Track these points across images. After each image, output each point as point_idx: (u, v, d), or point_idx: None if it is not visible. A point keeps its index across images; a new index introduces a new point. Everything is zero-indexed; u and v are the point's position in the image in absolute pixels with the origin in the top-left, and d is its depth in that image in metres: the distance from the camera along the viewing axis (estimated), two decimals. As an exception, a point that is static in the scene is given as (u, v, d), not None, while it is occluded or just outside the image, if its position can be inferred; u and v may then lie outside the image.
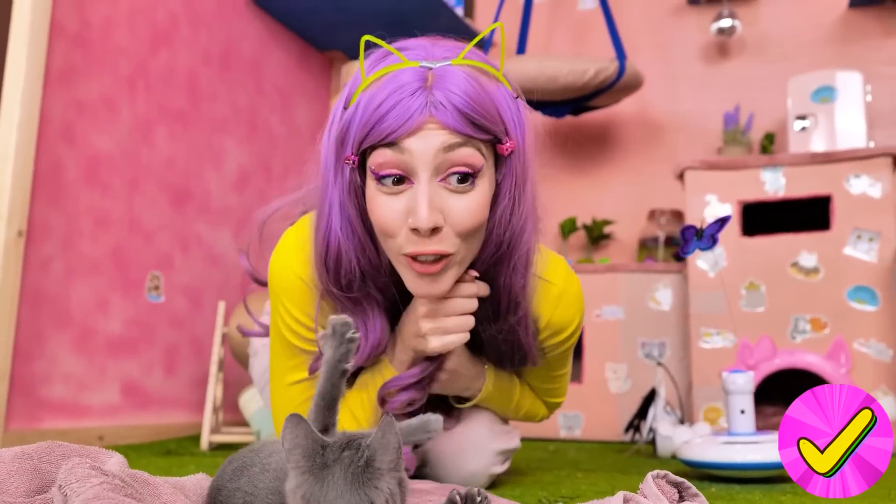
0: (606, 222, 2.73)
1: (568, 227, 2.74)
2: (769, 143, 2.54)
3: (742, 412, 1.30)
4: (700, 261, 2.11)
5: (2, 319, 1.65)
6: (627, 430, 1.93)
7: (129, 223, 2.04)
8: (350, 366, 0.72)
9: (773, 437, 1.27)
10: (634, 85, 2.57)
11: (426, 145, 0.83)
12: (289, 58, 2.79)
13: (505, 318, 0.97)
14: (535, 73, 2.38)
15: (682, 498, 0.69)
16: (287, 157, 2.75)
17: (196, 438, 2.05)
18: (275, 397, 1.03)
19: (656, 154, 2.82)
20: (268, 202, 2.61)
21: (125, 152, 2.05)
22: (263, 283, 1.11)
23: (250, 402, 1.82)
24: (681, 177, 2.24)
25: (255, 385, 1.44)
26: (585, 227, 2.74)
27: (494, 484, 1.15)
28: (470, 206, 0.86)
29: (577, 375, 2.34)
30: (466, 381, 1.04)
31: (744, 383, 1.31)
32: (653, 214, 2.64)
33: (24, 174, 1.73)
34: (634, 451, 1.81)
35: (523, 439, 1.22)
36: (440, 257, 0.87)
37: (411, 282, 0.91)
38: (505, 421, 1.18)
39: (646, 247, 2.63)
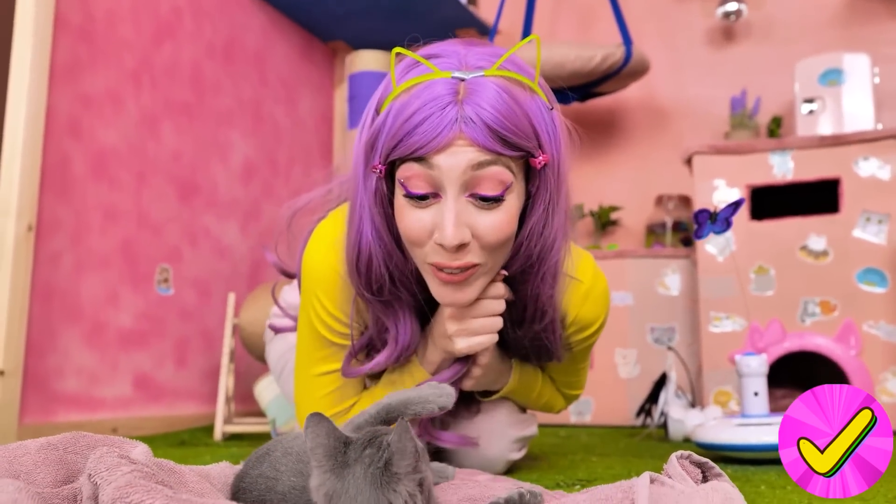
0: (613, 208, 2.73)
1: (576, 214, 2.74)
2: (776, 127, 2.53)
3: (756, 394, 1.30)
4: (709, 245, 2.11)
5: (14, 314, 1.66)
6: (639, 414, 1.93)
7: (138, 217, 2.04)
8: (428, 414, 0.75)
9: (788, 419, 1.27)
10: (641, 70, 2.56)
11: (455, 162, 0.82)
12: (292, 49, 2.79)
13: (530, 325, 0.98)
14: (541, 60, 2.37)
15: (705, 478, 0.69)
16: (293, 149, 2.75)
17: (208, 429, 2.06)
18: (300, 388, 1.03)
19: (663, 139, 2.82)
20: (274, 194, 2.63)
21: (132, 146, 2.05)
22: (291, 276, 1.11)
23: (266, 390, 1.82)
24: (689, 162, 2.23)
25: (272, 371, 1.44)
26: (593, 214, 2.74)
27: (511, 469, 1.16)
28: (497, 221, 0.85)
29: (586, 362, 2.34)
30: (495, 375, 1.05)
31: (757, 366, 1.31)
32: (660, 200, 2.64)
33: (33, 169, 1.73)
34: (646, 435, 1.82)
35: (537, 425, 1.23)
36: (467, 267, 0.87)
37: (437, 290, 0.90)
38: (523, 409, 1.18)
39: (653, 232, 2.62)
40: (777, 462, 1.26)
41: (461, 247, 0.85)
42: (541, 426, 2.18)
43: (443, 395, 0.74)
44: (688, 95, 2.81)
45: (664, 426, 1.79)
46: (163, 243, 2.12)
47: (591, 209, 2.75)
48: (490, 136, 0.82)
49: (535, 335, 0.99)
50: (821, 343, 1.96)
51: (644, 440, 1.75)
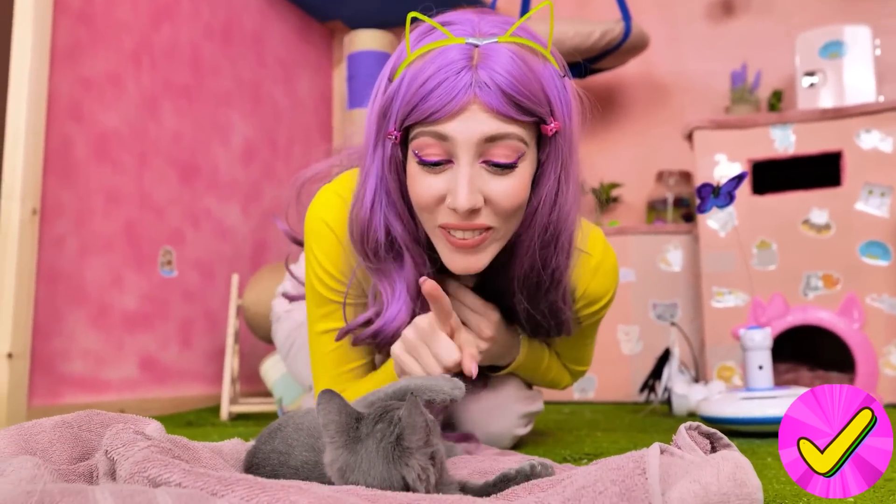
0: (614, 185, 2.72)
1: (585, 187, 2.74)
2: (777, 101, 2.52)
3: (760, 368, 1.31)
4: (711, 220, 2.11)
5: (20, 298, 1.67)
6: (642, 390, 1.95)
7: (140, 199, 2.04)
8: (441, 402, 0.75)
9: (792, 391, 1.28)
10: (640, 46, 2.55)
11: (469, 128, 0.83)
12: (290, 30, 2.77)
13: (545, 296, 0.98)
14: (548, 30, 2.36)
15: (714, 448, 0.70)
16: (292, 130, 2.74)
17: (214, 410, 2.08)
18: (310, 345, 1.05)
19: (663, 115, 2.81)
20: (275, 175, 2.63)
21: (133, 128, 2.05)
22: (301, 244, 1.11)
23: (272, 370, 1.83)
24: (689, 137, 2.23)
25: (279, 351, 1.45)
26: (593, 191, 2.73)
27: (518, 445, 1.17)
28: (510, 187, 0.86)
29: (589, 338, 2.35)
30: (503, 350, 1.05)
31: (761, 339, 1.32)
32: (661, 176, 2.64)
33: (36, 153, 1.73)
34: (650, 410, 1.83)
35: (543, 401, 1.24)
36: (481, 231, 0.88)
37: (447, 256, 0.90)
38: (529, 385, 1.19)
39: (654, 209, 2.63)
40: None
41: (473, 212, 0.86)
42: (545, 403, 2.20)
43: (456, 388, 0.76)
44: (688, 70, 2.80)
45: (668, 402, 1.80)
46: (165, 225, 2.12)
47: (591, 186, 2.75)
48: (504, 100, 0.82)
49: (550, 305, 0.99)
50: (824, 317, 1.97)
51: (648, 416, 1.77)
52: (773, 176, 2.14)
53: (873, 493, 0.74)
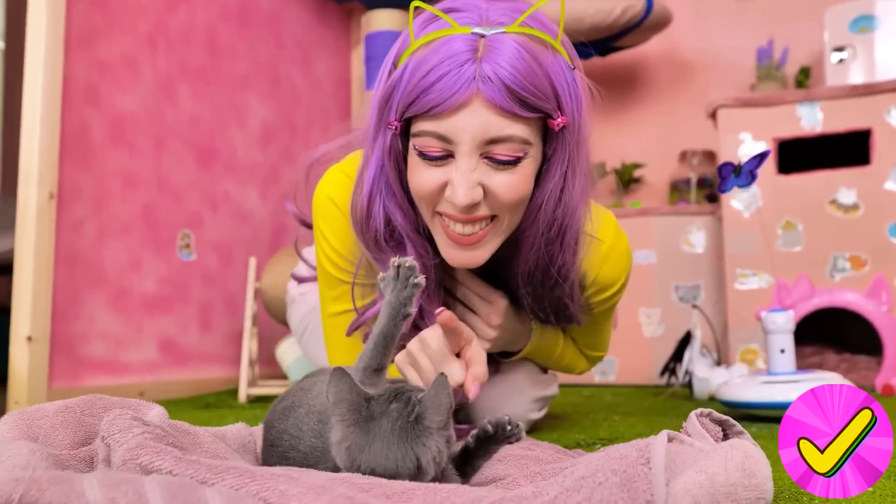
0: (636, 166, 2.68)
1: (598, 172, 2.70)
2: (805, 78, 2.46)
3: (782, 351, 1.28)
4: (734, 201, 2.07)
5: (39, 281, 1.68)
6: (663, 373, 1.92)
7: (158, 182, 2.05)
8: (413, 310, 0.71)
9: (814, 375, 1.25)
10: (663, 22, 2.49)
11: (470, 124, 0.80)
12: (307, 11, 2.75)
13: (551, 291, 0.95)
14: (559, 15, 2.32)
15: (726, 436, 0.68)
16: (310, 112, 2.73)
17: (233, 392, 2.08)
18: (324, 329, 1.04)
19: (686, 94, 2.75)
20: (293, 158, 2.62)
21: (150, 111, 2.04)
22: (310, 226, 1.10)
23: (287, 352, 1.83)
24: (713, 116, 2.18)
25: (294, 333, 1.45)
26: (615, 172, 2.69)
27: (533, 428, 1.15)
28: (511, 181, 0.83)
29: (610, 321, 2.32)
30: (514, 336, 1.03)
31: (783, 322, 1.29)
32: (684, 156, 2.59)
33: (52, 137, 1.74)
34: (671, 393, 1.80)
35: (558, 385, 1.22)
36: (483, 225, 0.85)
37: (446, 250, 0.88)
38: (544, 369, 1.17)
39: (677, 189, 2.58)
40: (803, 418, 1.24)
41: (473, 206, 0.83)
42: (564, 386, 2.18)
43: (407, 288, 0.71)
44: (712, 47, 2.73)
45: (689, 385, 1.77)
46: (183, 209, 2.13)
47: (613, 167, 2.71)
48: (508, 96, 0.79)
49: (555, 301, 0.97)
50: (850, 299, 1.92)
51: (668, 399, 1.74)
52: (799, 155, 2.09)
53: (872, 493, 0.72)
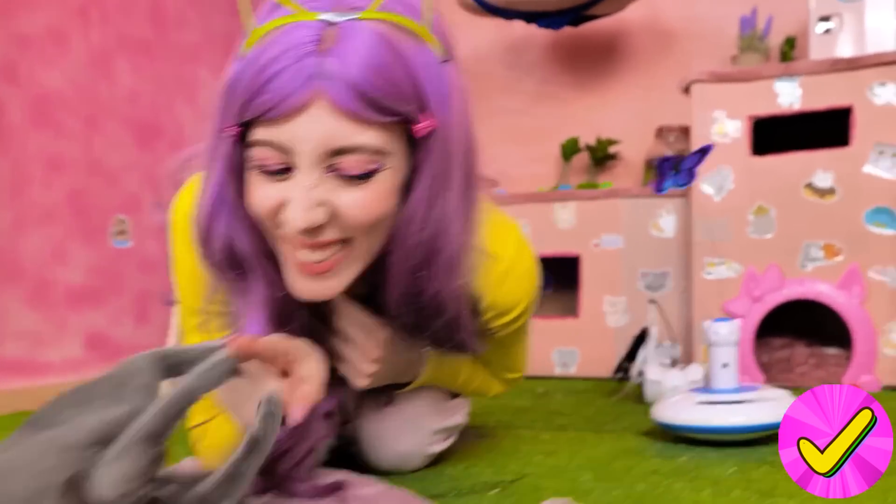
0: (611, 142, 2.53)
1: (570, 149, 2.55)
2: (790, 49, 2.29)
3: (724, 366, 1.16)
4: (705, 184, 1.93)
5: (-55, 276, 1.57)
6: (616, 372, 1.81)
7: (88, 165, 1.92)
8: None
9: (757, 394, 1.13)
10: (638, -12, 2.33)
11: (311, 131, 0.66)
12: (265, -25, 2.59)
13: (427, 323, 0.82)
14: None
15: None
16: (268, 85, 2.59)
17: (174, 386, 1.99)
18: None
19: (667, 66, 2.58)
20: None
21: (80, 89, 1.91)
22: None
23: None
24: (687, 91, 2.03)
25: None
26: (589, 148, 2.55)
27: (436, 461, 1.03)
28: (362, 200, 0.70)
29: (572, 309, 2.21)
30: (401, 368, 0.90)
31: (727, 333, 1.16)
32: (660, 132, 2.44)
33: (-41, 119, 1.62)
34: (623, 394, 1.69)
35: (468, 411, 1.09)
36: (335, 250, 0.73)
37: (291, 279, 0.74)
38: (454, 393, 1.05)
39: (653, 167, 2.43)
40: (745, 444, 1.12)
41: (316, 230, 0.71)
42: (523, 377, 2.07)
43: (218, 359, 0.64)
44: (695, 15, 2.56)
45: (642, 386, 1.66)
46: (119, 193, 2.01)
47: (587, 143, 2.56)
48: (355, 97, 0.66)
49: (438, 329, 0.84)
50: (822, 290, 1.80)
51: (619, 402, 1.63)
52: (775, 134, 1.94)
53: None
